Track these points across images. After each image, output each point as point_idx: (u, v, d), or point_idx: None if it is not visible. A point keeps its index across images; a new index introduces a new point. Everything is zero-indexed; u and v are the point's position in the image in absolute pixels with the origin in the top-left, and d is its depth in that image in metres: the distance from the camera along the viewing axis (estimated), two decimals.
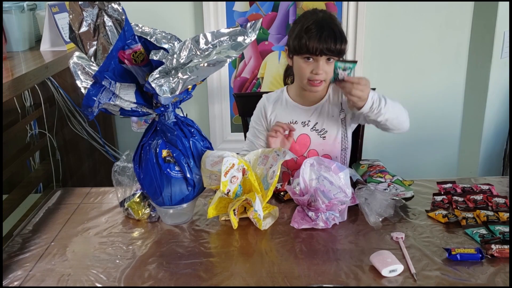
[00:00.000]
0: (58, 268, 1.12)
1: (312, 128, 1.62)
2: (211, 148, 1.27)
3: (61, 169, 2.33)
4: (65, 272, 1.11)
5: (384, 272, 1.04)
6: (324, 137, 1.61)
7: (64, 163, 2.36)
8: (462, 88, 2.58)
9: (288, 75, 1.74)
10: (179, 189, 1.21)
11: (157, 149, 1.19)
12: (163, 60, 1.11)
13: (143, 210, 1.31)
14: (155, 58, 1.10)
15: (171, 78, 1.08)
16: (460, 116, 2.63)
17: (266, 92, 1.75)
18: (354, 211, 1.30)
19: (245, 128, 1.90)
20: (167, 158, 1.19)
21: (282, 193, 1.41)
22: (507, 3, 2.29)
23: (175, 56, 1.13)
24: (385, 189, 1.33)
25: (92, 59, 1.12)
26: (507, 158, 2.60)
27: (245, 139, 1.93)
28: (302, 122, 1.62)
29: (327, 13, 1.53)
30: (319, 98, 1.63)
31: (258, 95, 1.76)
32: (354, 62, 1.41)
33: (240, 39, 1.14)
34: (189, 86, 1.17)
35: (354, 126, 1.66)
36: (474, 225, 1.21)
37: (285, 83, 1.75)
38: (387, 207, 1.26)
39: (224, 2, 2.40)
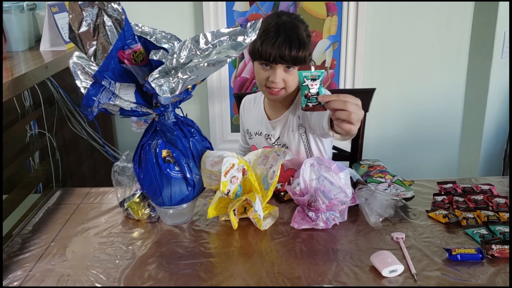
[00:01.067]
0: (58, 268, 1.12)
1: (274, 143, 1.58)
2: (211, 148, 1.26)
3: (60, 169, 2.33)
4: (64, 272, 1.10)
5: (385, 272, 1.04)
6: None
7: (63, 163, 2.36)
8: (463, 88, 2.58)
9: None
10: (179, 189, 1.21)
11: (157, 149, 1.19)
12: (163, 60, 1.11)
13: (143, 210, 1.31)
14: (155, 58, 1.10)
15: (171, 78, 1.08)
16: (460, 116, 2.63)
17: None
18: (355, 211, 1.30)
19: None
20: (167, 158, 1.19)
21: (282, 193, 1.40)
22: (507, 3, 2.29)
23: (175, 56, 1.13)
24: (385, 189, 1.33)
25: (92, 59, 1.12)
26: (507, 158, 2.60)
27: None
28: (266, 135, 1.60)
29: (292, 16, 1.45)
30: (284, 110, 1.56)
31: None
32: (322, 69, 1.15)
33: (240, 39, 1.14)
34: (189, 86, 1.17)
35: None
36: (475, 225, 1.21)
37: None
38: (388, 207, 1.26)
39: (224, 2, 2.40)
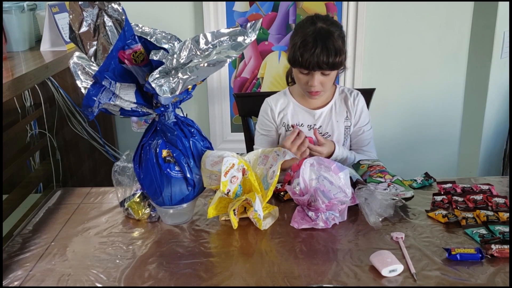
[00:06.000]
0: (58, 268, 1.12)
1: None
2: (211, 148, 1.27)
3: (61, 169, 2.32)
4: (65, 272, 1.11)
5: (384, 272, 1.04)
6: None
7: (64, 163, 2.36)
8: (462, 88, 2.58)
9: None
10: (179, 189, 1.21)
11: (157, 149, 1.19)
12: (163, 60, 1.11)
13: (143, 210, 1.32)
14: (155, 58, 1.11)
15: (171, 78, 1.09)
16: (460, 116, 2.63)
17: (266, 93, 1.75)
18: (354, 211, 1.30)
19: (245, 128, 1.90)
20: (167, 158, 1.19)
21: (282, 193, 1.41)
22: (507, 3, 2.29)
23: (175, 56, 1.13)
24: (385, 189, 1.33)
25: (92, 59, 1.12)
26: (507, 158, 2.60)
27: (245, 139, 1.93)
28: (308, 125, 1.65)
29: (327, 22, 1.51)
30: (324, 102, 1.65)
31: (258, 95, 1.76)
32: None
33: (240, 39, 1.14)
34: (189, 86, 1.17)
35: None
36: (474, 225, 1.21)
37: (288, 83, 1.76)
38: (387, 207, 1.26)
39: (224, 2, 2.40)
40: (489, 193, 1.37)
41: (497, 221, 1.22)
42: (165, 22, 2.43)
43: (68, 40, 1.43)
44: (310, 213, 1.25)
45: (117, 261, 1.14)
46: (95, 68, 1.15)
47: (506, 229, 1.17)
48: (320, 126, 1.65)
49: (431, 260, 1.10)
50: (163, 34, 1.18)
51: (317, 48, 1.45)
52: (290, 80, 1.74)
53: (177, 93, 1.09)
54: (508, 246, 1.10)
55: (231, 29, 1.16)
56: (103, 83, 1.09)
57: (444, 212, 1.27)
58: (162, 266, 1.11)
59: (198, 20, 2.44)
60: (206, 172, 1.21)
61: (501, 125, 2.57)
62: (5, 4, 1.98)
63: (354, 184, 1.37)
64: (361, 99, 1.69)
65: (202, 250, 1.17)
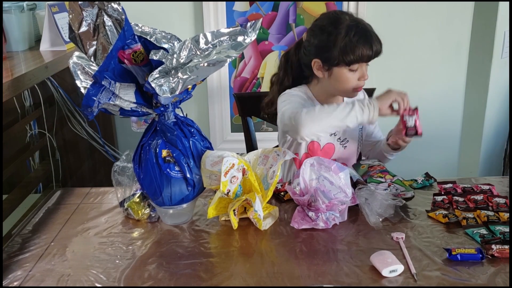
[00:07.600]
0: (57, 268, 1.12)
1: (337, 138, 1.59)
2: (211, 148, 1.26)
3: (60, 169, 2.32)
4: (64, 272, 1.10)
5: (385, 272, 1.04)
6: (345, 146, 1.60)
7: (63, 163, 2.36)
8: (463, 88, 2.58)
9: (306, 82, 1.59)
10: (179, 189, 1.21)
11: (157, 149, 1.19)
12: (163, 60, 1.11)
13: (143, 210, 1.31)
14: (155, 58, 1.10)
15: (171, 78, 1.08)
16: (460, 116, 2.63)
17: (266, 92, 1.74)
18: (355, 211, 1.30)
19: (245, 128, 1.90)
20: (167, 158, 1.19)
21: (282, 193, 1.40)
22: (507, 3, 2.29)
23: (175, 56, 1.13)
24: (385, 189, 1.33)
25: (92, 59, 1.12)
26: (507, 158, 2.60)
27: (245, 139, 1.93)
28: (330, 133, 1.56)
29: (352, 16, 1.47)
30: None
31: (258, 95, 1.76)
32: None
33: (240, 39, 1.14)
34: (189, 86, 1.17)
35: None
36: (475, 225, 1.21)
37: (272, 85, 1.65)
38: (388, 207, 1.26)
39: (224, 2, 2.40)
40: (489, 193, 1.37)
41: (498, 221, 1.22)
42: (165, 22, 2.43)
43: (68, 40, 1.43)
44: (310, 213, 1.24)
45: (117, 261, 1.14)
46: (94, 68, 1.14)
47: (507, 229, 1.17)
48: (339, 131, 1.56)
49: (431, 260, 1.10)
50: (163, 33, 1.18)
51: (371, 38, 1.41)
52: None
53: (177, 93, 1.09)
54: (509, 246, 1.10)
55: (231, 29, 1.16)
56: (102, 83, 1.09)
57: (445, 212, 1.27)
58: (162, 266, 1.11)
59: (198, 20, 2.44)
60: (206, 172, 1.21)
61: (501, 125, 2.57)
62: (5, 4, 1.98)
63: (354, 184, 1.37)
64: (366, 97, 1.67)
65: (202, 251, 1.17)
